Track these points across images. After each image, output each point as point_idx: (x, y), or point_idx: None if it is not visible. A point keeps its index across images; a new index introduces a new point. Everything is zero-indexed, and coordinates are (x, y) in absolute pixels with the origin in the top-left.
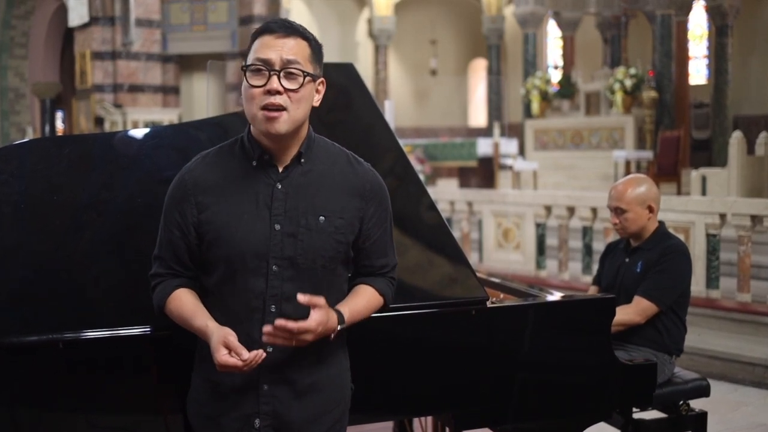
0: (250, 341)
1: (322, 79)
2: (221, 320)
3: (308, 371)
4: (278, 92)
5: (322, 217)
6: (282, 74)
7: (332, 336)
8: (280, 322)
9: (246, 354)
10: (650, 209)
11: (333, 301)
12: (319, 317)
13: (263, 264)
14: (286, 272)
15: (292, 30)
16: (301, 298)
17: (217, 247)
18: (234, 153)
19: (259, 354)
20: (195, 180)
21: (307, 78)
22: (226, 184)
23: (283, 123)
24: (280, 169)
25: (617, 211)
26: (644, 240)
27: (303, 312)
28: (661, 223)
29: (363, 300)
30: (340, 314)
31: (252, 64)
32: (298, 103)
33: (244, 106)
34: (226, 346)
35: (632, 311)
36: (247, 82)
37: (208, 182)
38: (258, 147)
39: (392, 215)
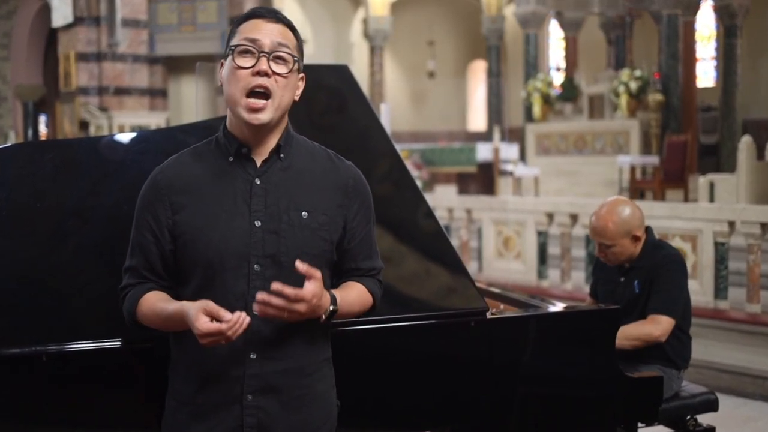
0: (232, 347)
1: (303, 74)
2: None
3: (295, 381)
4: (267, 74)
5: (304, 213)
6: (271, 57)
7: (323, 317)
8: (277, 285)
9: (228, 315)
10: (636, 238)
11: None
12: (315, 288)
13: (244, 264)
14: (269, 271)
15: (280, 17)
16: (300, 265)
17: (194, 250)
18: (210, 151)
19: (243, 316)
20: (168, 180)
21: (296, 64)
22: (202, 183)
23: (267, 113)
24: (258, 164)
25: (601, 245)
26: (635, 259)
27: None
28: (648, 232)
29: (354, 293)
30: (333, 296)
31: (240, 44)
32: (284, 90)
33: (225, 91)
34: (207, 313)
35: (652, 327)
36: (234, 62)
37: (183, 181)
38: (234, 141)
39: (375, 218)
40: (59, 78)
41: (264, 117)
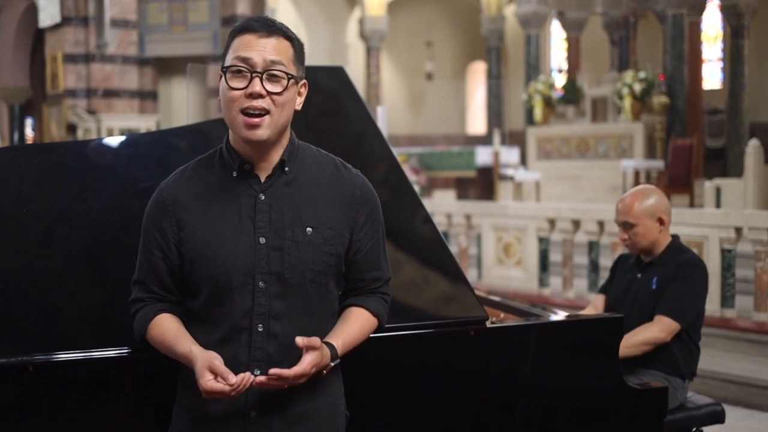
0: (236, 364)
1: (304, 81)
2: (207, 344)
3: (299, 398)
4: (260, 95)
5: (309, 229)
6: (265, 76)
7: (324, 372)
8: (274, 370)
9: (233, 378)
10: (661, 221)
11: (324, 321)
12: (314, 359)
13: (249, 280)
14: (274, 288)
15: (275, 29)
16: (299, 341)
17: (200, 267)
18: (213, 165)
19: (247, 377)
20: (174, 196)
21: (291, 80)
22: (207, 199)
23: (265, 129)
24: (263, 179)
25: (625, 225)
26: (657, 255)
27: (292, 331)
28: (675, 237)
29: (356, 326)
30: (332, 348)
31: (232, 65)
32: (281, 107)
33: (222, 110)
34: (212, 371)
35: (657, 329)
36: (227, 84)
37: (188, 198)
38: (237, 156)
39: (384, 225)
40: (46, 80)
41: (262, 133)
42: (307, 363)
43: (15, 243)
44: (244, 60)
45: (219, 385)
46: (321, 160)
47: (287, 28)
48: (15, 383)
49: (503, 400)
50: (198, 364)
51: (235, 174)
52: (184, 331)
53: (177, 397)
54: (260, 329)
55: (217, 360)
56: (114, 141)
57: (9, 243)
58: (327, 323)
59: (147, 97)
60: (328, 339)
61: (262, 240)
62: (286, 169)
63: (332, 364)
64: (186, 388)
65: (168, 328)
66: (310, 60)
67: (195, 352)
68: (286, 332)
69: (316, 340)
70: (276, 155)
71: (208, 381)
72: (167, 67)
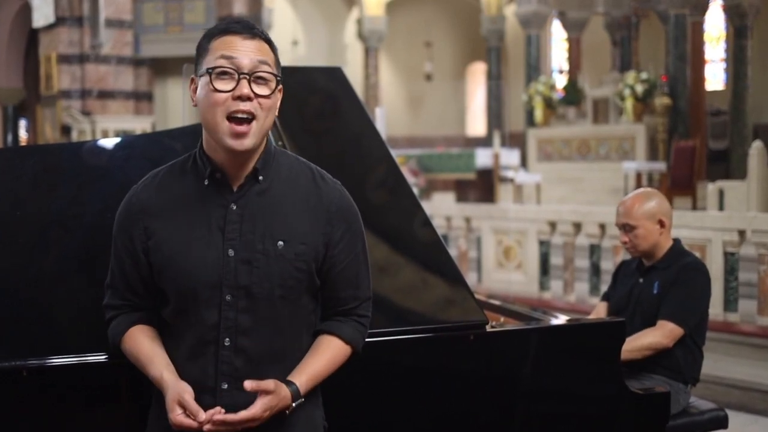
0: (204, 377)
1: (280, 86)
2: (177, 356)
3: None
4: (249, 98)
5: (281, 242)
6: (252, 78)
7: (288, 412)
8: (218, 417)
9: (202, 415)
10: (661, 224)
11: (296, 337)
12: (266, 404)
13: (216, 293)
14: (241, 302)
15: (257, 31)
16: (248, 385)
17: (167, 277)
18: (186, 171)
19: (216, 414)
20: (142, 203)
21: (279, 83)
22: (176, 207)
23: (251, 137)
24: (234, 188)
25: (626, 227)
26: (659, 259)
27: (260, 346)
28: (676, 241)
29: (324, 359)
30: (294, 388)
31: (218, 66)
32: (267, 111)
33: (202, 115)
34: (182, 406)
35: (659, 334)
36: (212, 86)
37: (158, 205)
38: (209, 164)
39: (365, 241)
40: (40, 81)
41: (248, 142)
42: (258, 407)
43: (10, 245)
44: (229, 58)
45: (188, 421)
46: (297, 169)
47: (264, 31)
48: (8, 388)
49: (503, 405)
50: (168, 396)
51: (206, 182)
52: (158, 349)
53: (152, 404)
54: (227, 343)
55: (187, 394)
56: (109, 143)
57: (4, 245)
58: (300, 339)
59: (142, 98)
60: (290, 377)
61: (231, 252)
62: (260, 177)
63: (294, 405)
64: (157, 401)
65: (141, 344)
66: (308, 60)
67: (166, 380)
68: (255, 347)
69: (268, 384)
70: (250, 163)
71: (177, 416)
72: (163, 67)
